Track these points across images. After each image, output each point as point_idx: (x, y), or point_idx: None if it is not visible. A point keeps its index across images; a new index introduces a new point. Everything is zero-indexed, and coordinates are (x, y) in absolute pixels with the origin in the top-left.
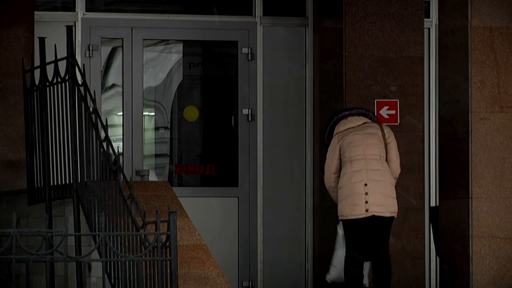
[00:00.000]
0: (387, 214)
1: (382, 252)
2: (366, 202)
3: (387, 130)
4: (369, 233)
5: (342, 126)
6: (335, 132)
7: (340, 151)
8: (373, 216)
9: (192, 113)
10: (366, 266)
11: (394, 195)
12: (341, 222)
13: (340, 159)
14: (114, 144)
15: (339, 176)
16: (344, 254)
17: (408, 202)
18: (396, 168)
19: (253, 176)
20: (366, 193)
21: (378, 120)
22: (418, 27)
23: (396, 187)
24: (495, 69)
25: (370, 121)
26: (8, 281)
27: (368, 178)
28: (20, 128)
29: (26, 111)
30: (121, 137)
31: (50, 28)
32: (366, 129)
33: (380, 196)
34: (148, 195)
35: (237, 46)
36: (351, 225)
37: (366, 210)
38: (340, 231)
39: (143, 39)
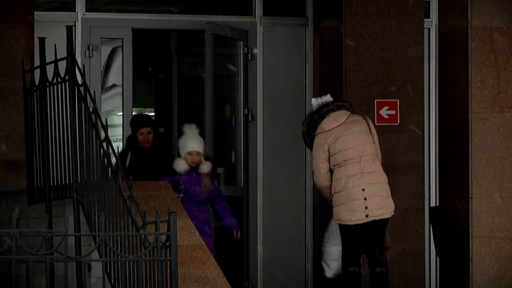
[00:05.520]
0: (387, 215)
1: (379, 251)
2: (366, 207)
3: (370, 122)
4: (366, 234)
5: (327, 125)
6: (319, 131)
7: (329, 152)
8: (373, 220)
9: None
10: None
11: (390, 194)
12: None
13: (329, 160)
14: (114, 144)
15: (331, 175)
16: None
17: (408, 202)
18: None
19: (253, 176)
20: (365, 199)
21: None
22: (418, 27)
23: (390, 185)
24: (495, 69)
25: (351, 113)
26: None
27: (365, 183)
28: (20, 128)
29: (26, 111)
30: (121, 137)
31: (50, 28)
32: (354, 126)
33: (379, 199)
34: (148, 195)
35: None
36: (349, 229)
37: (366, 216)
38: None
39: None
